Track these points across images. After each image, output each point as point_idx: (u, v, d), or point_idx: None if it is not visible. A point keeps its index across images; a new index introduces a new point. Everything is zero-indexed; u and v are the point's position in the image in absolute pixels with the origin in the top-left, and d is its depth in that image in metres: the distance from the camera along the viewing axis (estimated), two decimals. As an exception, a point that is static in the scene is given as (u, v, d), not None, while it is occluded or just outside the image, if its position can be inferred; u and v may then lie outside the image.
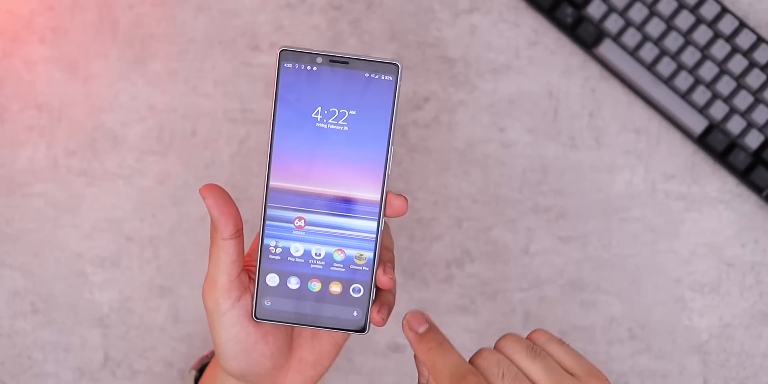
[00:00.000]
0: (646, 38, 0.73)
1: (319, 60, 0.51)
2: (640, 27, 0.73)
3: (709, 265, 0.75)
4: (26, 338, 0.74)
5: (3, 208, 0.74)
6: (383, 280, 0.52)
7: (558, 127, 0.75)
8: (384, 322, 0.52)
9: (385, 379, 0.74)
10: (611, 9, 0.72)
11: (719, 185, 0.75)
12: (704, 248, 0.75)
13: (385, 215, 0.52)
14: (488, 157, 0.74)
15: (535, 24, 0.75)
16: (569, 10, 0.73)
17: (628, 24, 0.73)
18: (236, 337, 0.52)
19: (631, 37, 0.72)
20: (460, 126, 0.74)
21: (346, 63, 0.50)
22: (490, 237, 0.74)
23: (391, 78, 0.51)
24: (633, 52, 0.73)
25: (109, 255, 0.74)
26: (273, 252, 0.52)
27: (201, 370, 0.59)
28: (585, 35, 0.73)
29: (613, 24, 0.72)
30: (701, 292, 0.75)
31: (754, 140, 0.73)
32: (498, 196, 0.75)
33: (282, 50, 0.50)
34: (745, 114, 0.73)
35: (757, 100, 0.72)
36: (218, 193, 0.51)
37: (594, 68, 0.75)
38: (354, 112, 0.51)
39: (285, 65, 0.51)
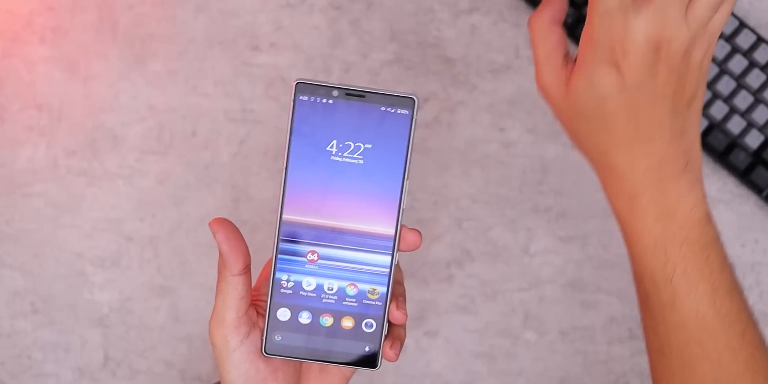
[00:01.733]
0: (646, 38, 0.72)
1: (335, 93, 0.50)
2: (640, 27, 0.73)
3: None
4: (26, 338, 0.74)
5: (3, 208, 0.74)
6: (397, 315, 0.51)
7: (558, 127, 0.75)
8: (397, 357, 0.52)
9: (385, 379, 0.74)
10: (611, 9, 0.72)
11: (719, 185, 0.75)
12: (704, 248, 0.75)
13: (398, 250, 0.52)
14: (488, 157, 0.74)
15: (535, 24, 0.75)
16: (569, 9, 0.73)
17: (628, 24, 0.73)
18: (246, 374, 0.52)
19: (631, 37, 0.72)
20: (460, 126, 0.74)
21: (363, 96, 0.50)
22: (490, 237, 0.74)
23: (407, 112, 0.50)
24: (633, 52, 0.73)
25: (109, 255, 0.74)
26: (285, 286, 0.52)
27: None
28: (585, 35, 0.73)
29: (613, 24, 0.72)
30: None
31: (754, 140, 0.73)
32: (498, 196, 0.75)
33: (298, 83, 0.50)
34: (745, 114, 0.73)
35: (757, 100, 0.72)
36: (229, 228, 0.50)
37: (594, 68, 0.75)
38: (369, 146, 0.50)
39: (300, 98, 0.50)
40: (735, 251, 0.75)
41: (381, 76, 0.74)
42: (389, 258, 0.51)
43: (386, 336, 0.52)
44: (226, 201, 0.74)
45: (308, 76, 0.74)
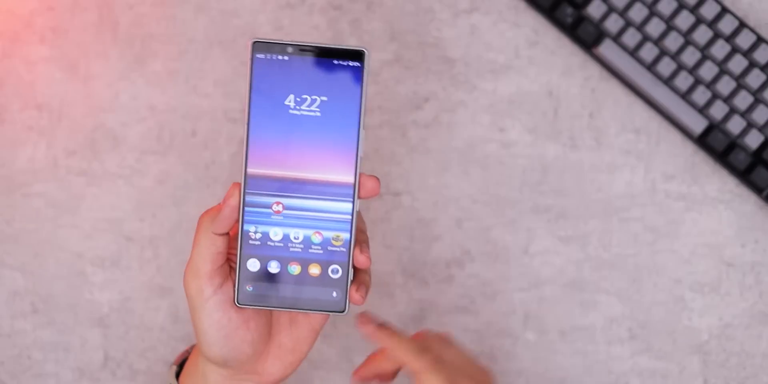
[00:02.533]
0: (646, 38, 0.73)
1: (290, 49, 0.52)
2: (640, 27, 0.73)
3: (709, 265, 0.75)
4: (26, 338, 0.74)
5: (3, 208, 0.74)
6: (360, 259, 0.53)
7: (558, 127, 0.75)
8: (363, 300, 0.54)
9: (385, 379, 0.74)
10: (611, 9, 0.72)
11: (719, 185, 0.75)
12: (704, 248, 0.75)
13: (359, 197, 0.53)
14: (488, 157, 0.74)
15: (535, 24, 0.75)
16: (569, 10, 0.73)
17: (628, 24, 0.73)
18: (218, 323, 0.53)
19: (631, 37, 0.72)
20: (460, 126, 0.74)
21: (315, 51, 0.52)
22: (490, 237, 0.75)
23: (358, 64, 0.52)
24: (633, 52, 0.73)
25: (109, 255, 0.74)
26: (253, 237, 0.53)
27: (181, 365, 0.60)
28: (585, 35, 0.73)
29: (613, 24, 0.72)
30: (701, 292, 0.75)
31: (754, 140, 0.73)
32: (498, 196, 0.75)
33: (254, 42, 0.52)
34: (745, 114, 0.73)
35: (757, 100, 0.73)
36: (239, 196, 0.53)
37: (594, 68, 0.75)
38: (325, 98, 0.53)
39: (257, 56, 0.52)
40: (735, 251, 0.75)
41: (381, 76, 0.74)
42: (350, 205, 0.53)
43: (352, 281, 0.54)
44: (226, 201, 0.74)
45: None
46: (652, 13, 0.72)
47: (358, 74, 0.53)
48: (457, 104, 0.74)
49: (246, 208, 0.53)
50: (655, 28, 0.72)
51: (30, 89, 0.74)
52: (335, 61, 0.53)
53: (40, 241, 0.74)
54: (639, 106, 0.75)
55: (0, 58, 0.74)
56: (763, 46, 0.72)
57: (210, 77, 0.74)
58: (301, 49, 0.52)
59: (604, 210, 0.75)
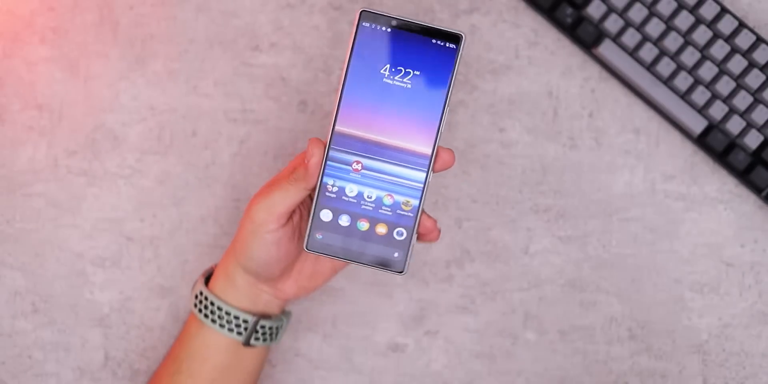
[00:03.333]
0: (645, 38, 0.73)
1: (394, 23, 0.56)
2: (639, 27, 0.73)
3: (709, 265, 0.75)
4: (27, 338, 0.74)
5: (3, 208, 0.74)
6: (446, 156, 0.57)
7: (558, 128, 0.75)
8: (438, 234, 0.58)
9: (385, 379, 0.74)
10: (611, 9, 0.73)
11: (719, 185, 0.75)
12: (704, 248, 0.75)
13: (434, 169, 0.57)
14: (488, 157, 0.75)
15: (535, 24, 0.75)
16: (569, 10, 0.73)
17: (628, 24, 0.73)
18: (267, 252, 0.59)
19: (630, 38, 0.72)
20: (460, 126, 0.74)
21: (418, 29, 0.56)
22: (490, 237, 0.75)
23: (454, 46, 0.56)
24: (632, 53, 0.73)
25: (109, 255, 0.74)
26: (330, 190, 0.57)
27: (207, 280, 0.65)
28: (585, 35, 0.73)
29: (612, 24, 0.72)
30: (701, 292, 0.75)
31: (753, 140, 0.73)
32: (498, 196, 0.75)
33: (362, 11, 0.56)
34: (744, 114, 0.73)
35: (757, 101, 0.73)
36: (322, 155, 0.56)
37: (593, 68, 0.75)
38: (418, 73, 0.56)
39: (363, 24, 0.56)
40: (734, 251, 0.75)
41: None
42: (424, 174, 0.57)
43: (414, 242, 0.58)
44: (226, 201, 0.74)
45: (308, 75, 0.74)
46: (652, 13, 0.72)
47: (451, 55, 0.56)
48: (457, 104, 0.74)
49: (328, 162, 0.57)
50: (654, 28, 0.72)
51: (30, 89, 0.74)
52: (433, 40, 0.56)
53: (40, 241, 0.74)
54: (638, 107, 0.75)
55: (0, 58, 0.74)
56: (762, 46, 0.72)
57: (210, 77, 0.74)
58: (404, 24, 0.56)
59: (604, 210, 0.75)
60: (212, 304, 0.62)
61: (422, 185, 0.57)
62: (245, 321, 0.62)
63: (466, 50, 0.74)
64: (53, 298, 0.74)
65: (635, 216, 0.75)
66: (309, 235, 0.57)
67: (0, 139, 0.74)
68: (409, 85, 0.56)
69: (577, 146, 0.75)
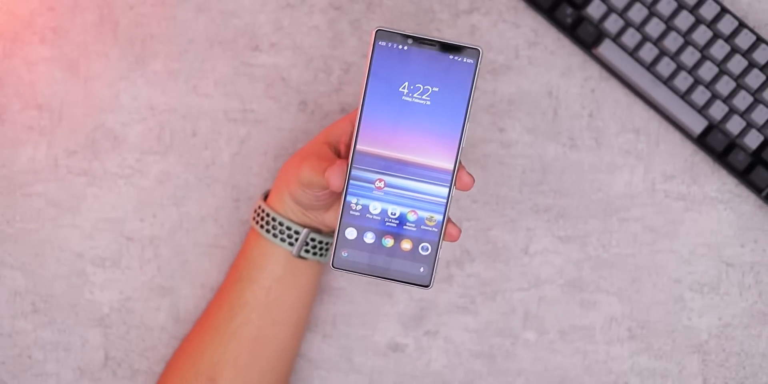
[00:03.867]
0: (645, 38, 0.73)
1: (410, 40, 0.56)
2: (639, 27, 0.73)
3: (709, 265, 0.75)
4: (27, 338, 0.74)
5: (3, 208, 0.74)
6: (453, 231, 0.58)
7: (558, 128, 0.75)
8: (458, 234, 0.59)
9: (385, 379, 0.74)
10: (611, 9, 0.73)
11: (719, 185, 0.75)
12: (704, 248, 0.75)
13: (455, 186, 0.57)
14: (488, 157, 0.75)
15: (535, 24, 0.75)
16: (569, 10, 0.73)
17: (628, 24, 0.73)
18: (314, 200, 0.63)
19: (630, 38, 0.72)
20: (460, 126, 0.74)
21: (434, 45, 0.56)
22: (490, 237, 0.75)
23: (472, 61, 0.56)
24: (632, 53, 0.73)
25: (109, 255, 0.74)
26: (354, 208, 0.57)
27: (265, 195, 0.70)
28: (585, 35, 0.73)
29: (612, 24, 0.72)
30: (701, 292, 0.75)
31: (753, 140, 0.73)
32: (498, 196, 0.75)
33: (378, 30, 0.55)
34: (744, 114, 0.73)
35: (757, 101, 0.73)
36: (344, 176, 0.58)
37: (593, 68, 0.75)
38: (437, 89, 0.56)
39: (379, 43, 0.56)
40: (734, 251, 0.75)
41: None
42: (447, 190, 0.57)
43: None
44: (226, 201, 0.74)
45: (308, 75, 0.74)
46: (652, 13, 0.72)
47: (470, 70, 0.56)
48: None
49: (351, 181, 0.57)
50: (654, 28, 0.72)
51: (30, 89, 0.74)
52: (451, 56, 0.56)
53: (40, 241, 0.74)
54: (638, 106, 0.75)
55: (0, 58, 0.74)
56: (762, 46, 0.72)
57: (210, 77, 0.74)
58: (421, 41, 0.56)
59: (604, 210, 0.75)
60: (268, 215, 0.67)
61: (445, 200, 0.57)
62: (297, 232, 0.66)
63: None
64: (53, 298, 0.74)
65: (635, 216, 0.75)
66: (335, 254, 0.58)
67: (0, 139, 0.74)
68: (428, 102, 0.56)
69: (577, 146, 0.75)
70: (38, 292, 0.74)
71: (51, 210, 0.74)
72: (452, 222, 0.58)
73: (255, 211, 0.69)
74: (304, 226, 0.66)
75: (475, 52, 0.56)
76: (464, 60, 0.56)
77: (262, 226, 0.67)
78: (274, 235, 0.67)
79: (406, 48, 0.56)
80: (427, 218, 0.57)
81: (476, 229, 0.75)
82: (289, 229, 0.66)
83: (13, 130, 0.74)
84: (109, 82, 0.74)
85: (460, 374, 0.75)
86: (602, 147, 0.75)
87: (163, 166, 0.74)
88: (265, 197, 0.69)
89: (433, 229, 0.57)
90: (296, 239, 0.66)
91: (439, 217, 0.57)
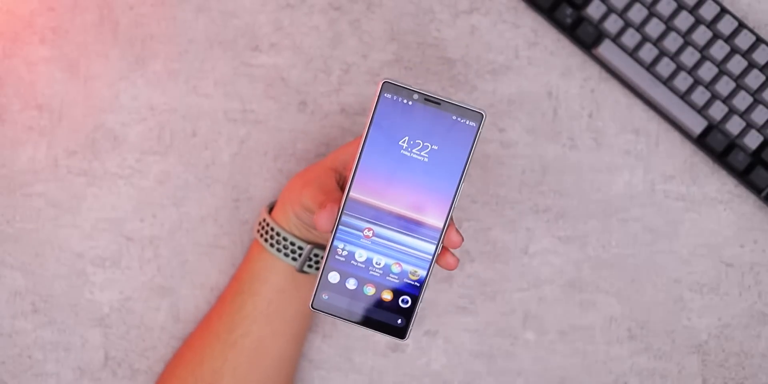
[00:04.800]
0: (645, 39, 0.73)
1: (415, 96, 0.56)
2: (639, 28, 0.73)
3: (708, 266, 0.75)
4: (27, 338, 0.74)
5: (3, 208, 0.74)
6: (455, 239, 0.58)
7: (557, 128, 0.75)
8: (455, 264, 0.59)
9: (385, 379, 0.75)
10: (610, 10, 0.73)
11: (718, 186, 0.75)
12: (703, 248, 0.75)
13: (443, 243, 0.57)
14: (488, 158, 0.75)
15: (535, 25, 0.75)
16: (569, 10, 0.73)
17: (628, 25, 0.73)
18: (311, 222, 0.63)
19: (630, 38, 0.72)
20: (459, 126, 0.74)
21: (439, 104, 0.56)
22: (490, 237, 0.75)
23: (474, 124, 0.56)
24: (632, 53, 0.73)
25: (109, 255, 0.74)
26: (339, 253, 0.57)
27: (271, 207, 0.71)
28: (584, 36, 0.73)
29: (612, 25, 0.73)
30: (700, 292, 0.75)
31: (753, 141, 0.73)
32: (497, 197, 0.75)
33: (384, 82, 0.56)
34: (744, 114, 0.73)
35: (756, 101, 0.73)
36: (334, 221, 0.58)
37: (593, 69, 0.75)
38: (436, 148, 0.56)
39: (385, 95, 0.56)
40: (734, 251, 0.75)
41: (381, 76, 0.74)
42: (434, 247, 0.57)
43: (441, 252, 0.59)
44: (226, 201, 0.74)
45: (308, 75, 0.74)
46: (652, 13, 0.72)
47: (471, 133, 0.56)
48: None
49: (340, 226, 0.57)
50: (654, 28, 0.72)
51: (30, 89, 0.74)
52: (454, 117, 0.56)
53: (40, 241, 0.74)
54: (638, 107, 0.75)
55: (0, 58, 0.74)
56: (762, 46, 0.72)
57: (210, 77, 0.74)
58: (426, 98, 0.56)
59: (604, 210, 0.75)
60: (272, 229, 0.67)
61: (431, 257, 0.57)
62: (300, 248, 0.67)
63: (465, 50, 0.75)
64: (53, 298, 0.74)
65: (635, 216, 0.75)
66: (315, 295, 0.58)
67: (0, 139, 0.74)
68: (426, 159, 0.57)
69: (577, 146, 0.75)
70: (38, 292, 0.74)
71: (51, 210, 0.74)
72: (456, 230, 0.58)
73: (260, 224, 0.69)
74: (308, 242, 0.67)
75: (478, 116, 0.56)
76: (467, 122, 0.56)
77: (266, 240, 0.68)
78: (278, 250, 0.67)
79: (410, 103, 0.56)
80: (410, 272, 0.57)
81: (476, 230, 0.75)
82: (293, 244, 0.67)
83: (13, 130, 0.74)
84: (109, 82, 0.74)
85: (459, 374, 0.75)
86: (602, 147, 0.75)
87: (163, 166, 0.74)
88: (270, 209, 0.70)
89: (416, 283, 0.57)
90: (300, 254, 0.67)
91: (423, 273, 0.57)
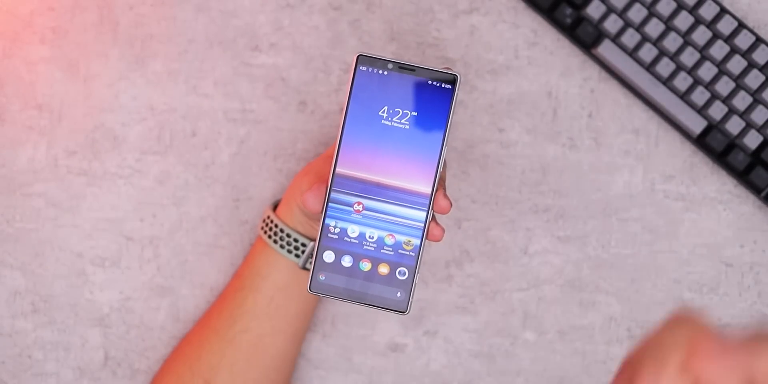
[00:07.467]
0: (645, 39, 0.73)
1: (390, 66, 0.57)
2: (639, 27, 0.73)
3: (708, 266, 0.75)
4: (27, 338, 0.74)
5: (3, 208, 0.74)
6: (442, 203, 0.58)
7: (557, 128, 0.75)
8: (441, 235, 0.59)
9: (385, 379, 0.75)
10: (610, 9, 0.73)
11: (718, 186, 0.75)
12: (703, 248, 0.75)
13: (433, 209, 0.58)
14: (487, 158, 0.75)
15: (535, 24, 0.75)
16: (568, 10, 0.73)
17: (627, 24, 0.73)
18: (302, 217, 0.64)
19: (630, 38, 0.72)
20: (459, 126, 0.74)
21: (413, 70, 0.57)
22: (490, 237, 0.75)
23: (450, 87, 0.57)
24: (632, 53, 0.73)
25: (109, 255, 0.74)
26: (332, 231, 0.58)
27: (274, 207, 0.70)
28: (584, 36, 0.73)
29: (612, 24, 0.73)
30: (700, 292, 0.75)
31: (752, 141, 0.73)
32: (497, 197, 0.75)
33: (359, 55, 0.57)
34: (743, 114, 0.73)
35: (756, 101, 0.73)
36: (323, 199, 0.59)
37: (593, 69, 0.75)
38: (415, 114, 0.57)
39: (360, 68, 0.57)
40: (734, 251, 0.75)
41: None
42: (425, 214, 0.58)
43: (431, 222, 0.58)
44: (226, 201, 0.74)
45: (308, 75, 0.74)
46: (651, 13, 0.72)
47: (448, 96, 0.57)
48: (457, 105, 0.74)
49: (329, 204, 0.58)
50: (654, 28, 0.72)
51: (30, 89, 0.74)
52: (429, 82, 0.57)
53: (40, 240, 0.74)
54: (638, 107, 0.75)
55: (0, 58, 0.74)
56: (762, 46, 0.72)
57: (210, 77, 0.74)
58: (400, 66, 0.57)
59: (603, 210, 0.75)
60: (276, 226, 0.67)
61: (423, 224, 0.58)
62: (304, 245, 0.66)
63: (465, 50, 0.75)
64: (53, 298, 0.74)
65: (634, 216, 0.75)
66: (312, 277, 0.58)
67: (0, 139, 0.74)
68: (407, 126, 0.57)
69: (577, 146, 0.75)
70: (38, 292, 0.74)
71: (51, 210, 0.74)
72: (436, 222, 0.59)
73: (264, 221, 0.69)
74: (312, 239, 0.67)
75: (453, 78, 0.57)
76: (443, 85, 0.57)
77: (270, 237, 0.68)
78: (281, 246, 0.67)
79: (386, 73, 0.57)
80: (404, 242, 0.58)
81: (475, 229, 0.75)
82: (296, 240, 0.66)
83: (13, 130, 0.74)
84: (108, 82, 0.74)
85: (459, 374, 0.75)
86: (601, 147, 0.75)
87: (162, 166, 0.74)
88: (275, 207, 0.70)
89: (411, 253, 0.58)
90: (303, 251, 0.67)
91: (417, 242, 0.58)
